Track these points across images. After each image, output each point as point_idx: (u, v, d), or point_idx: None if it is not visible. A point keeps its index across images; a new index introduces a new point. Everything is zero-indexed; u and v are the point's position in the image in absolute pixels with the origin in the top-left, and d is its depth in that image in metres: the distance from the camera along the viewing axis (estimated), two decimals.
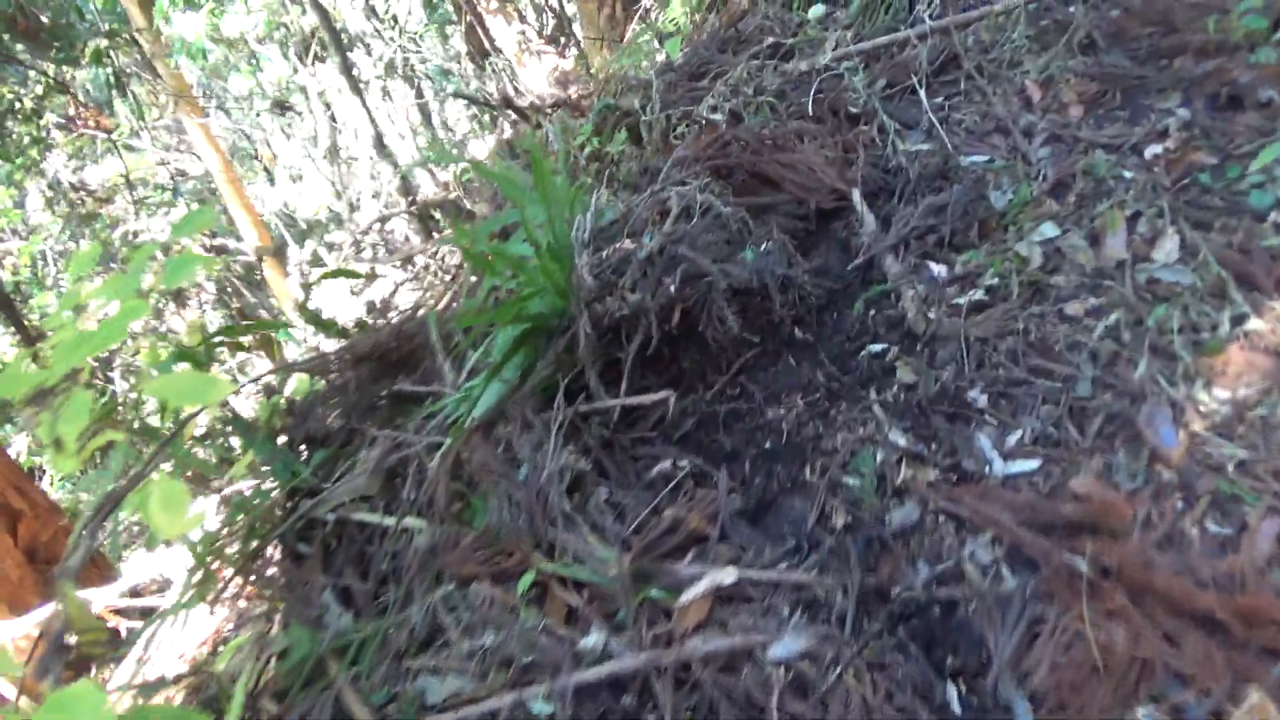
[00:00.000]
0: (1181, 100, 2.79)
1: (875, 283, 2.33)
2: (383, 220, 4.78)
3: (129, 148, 9.25)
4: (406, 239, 4.85)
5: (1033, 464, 1.78)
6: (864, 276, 2.38)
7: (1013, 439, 1.85)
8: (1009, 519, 1.65)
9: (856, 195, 2.52)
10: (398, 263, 4.88)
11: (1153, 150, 2.58)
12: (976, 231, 2.36)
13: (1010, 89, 3.02)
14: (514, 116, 4.35)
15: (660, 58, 4.42)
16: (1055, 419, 1.85)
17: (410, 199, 4.60)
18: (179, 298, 8.76)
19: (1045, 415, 1.87)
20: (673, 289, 1.97)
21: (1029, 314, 2.11)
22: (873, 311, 2.25)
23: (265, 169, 14.82)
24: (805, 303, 2.27)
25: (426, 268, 4.39)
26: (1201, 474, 1.71)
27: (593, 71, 5.93)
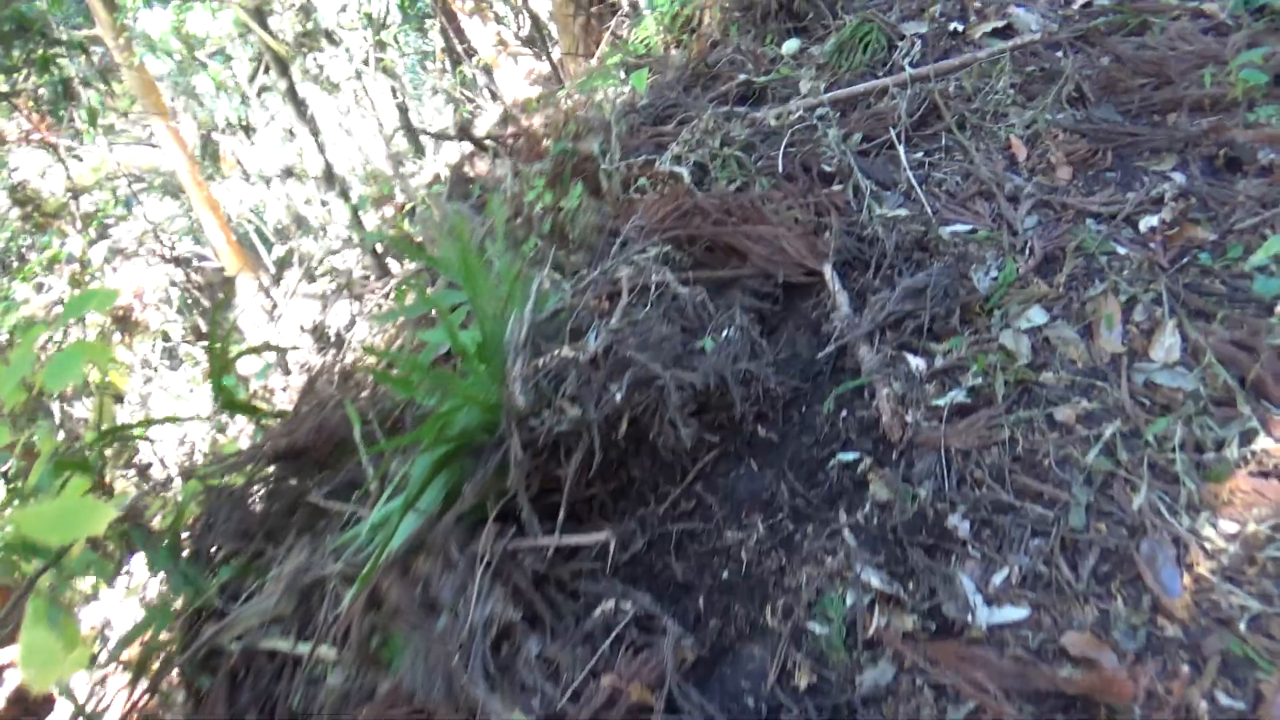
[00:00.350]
0: (1177, 163, 2.61)
1: (847, 375, 2.13)
2: (333, 253, 4.54)
3: (78, 158, 8.88)
4: (358, 273, 4.63)
5: (1021, 612, 1.59)
6: (835, 365, 2.18)
7: (999, 578, 1.65)
8: (995, 686, 1.46)
9: (829, 270, 2.31)
10: (350, 296, 4.64)
11: (1148, 222, 2.40)
12: (958, 316, 2.17)
13: (994, 145, 2.84)
14: (470, 148, 4.12)
15: (626, 89, 4.20)
16: (1046, 554, 1.66)
17: (360, 235, 4.36)
18: (123, 322, 8.39)
19: (1034, 550, 1.67)
20: (619, 397, 1.76)
21: (1016, 419, 1.92)
22: (844, 411, 2.05)
23: (239, 165, 14.47)
24: (770, 397, 2.06)
25: (379, 306, 4.15)
26: (1209, 630, 1.52)
27: (560, 93, 5.70)
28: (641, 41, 5.39)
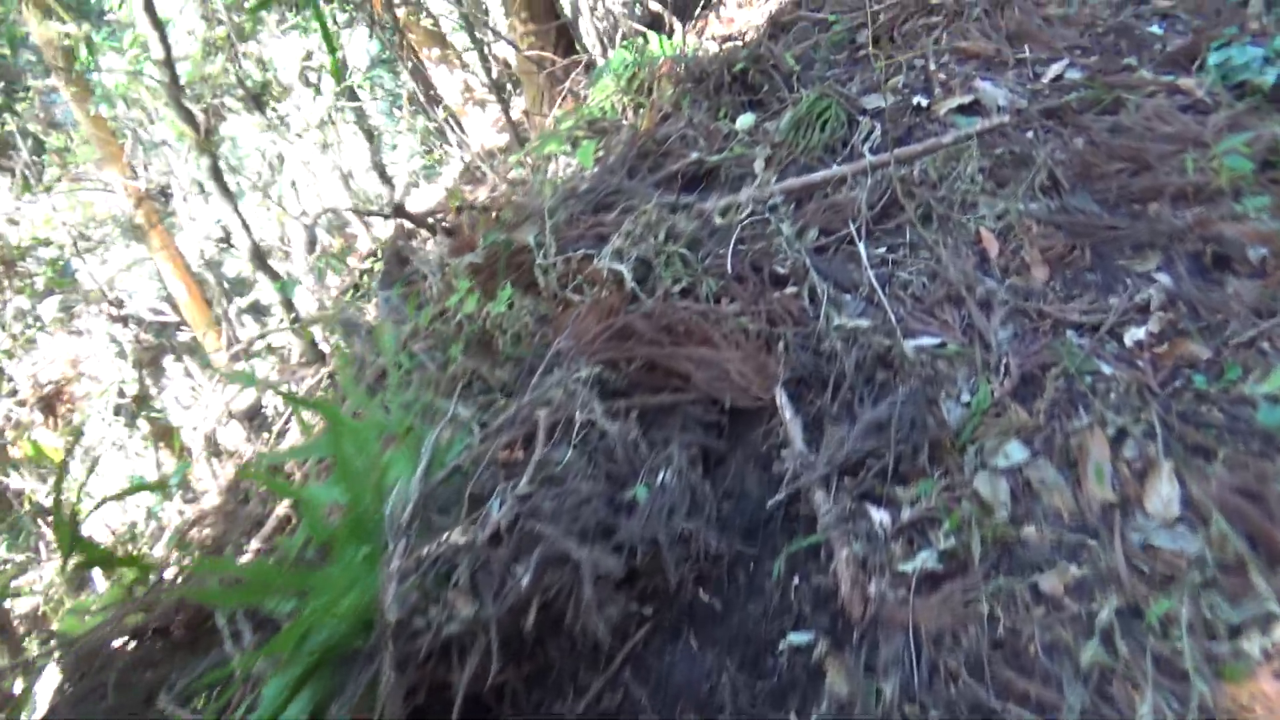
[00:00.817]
0: (1161, 261, 2.39)
1: (801, 527, 1.87)
2: (263, 336, 4.25)
3: (13, 222, 8.52)
4: (291, 357, 4.34)
5: None
6: (788, 512, 1.91)
7: None
8: None
9: (781, 396, 2.05)
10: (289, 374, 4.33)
11: (1134, 335, 2.17)
12: (927, 454, 1.91)
13: (963, 238, 2.61)
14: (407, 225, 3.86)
15: (573, 162, 3.97)
16: None
17: (294, 315, 4.07)
18: (49, 405, 7.98)
19: None
20: (526, 582, 1.48)
21: (995, 589, 1.65)
22: (797, 576, 1.78)
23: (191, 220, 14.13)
24: (713, 556, 1.79)
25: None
26: None
27: (512, 158, 5.47)
28: (597, 105, 5.18)
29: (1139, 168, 2.72)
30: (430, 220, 3.85)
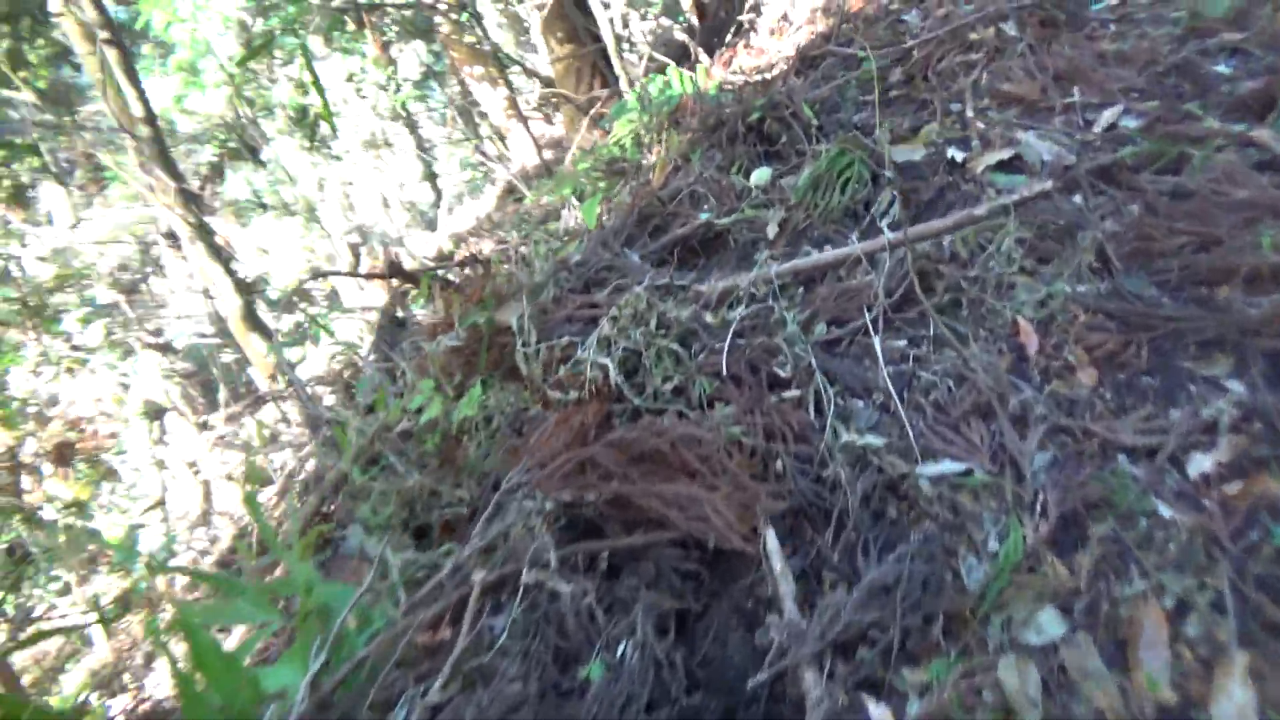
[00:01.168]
0: (1233, 365, 2.04)
1: (788, 711, 1.56)
2: (254, 404, 4.08)
3: (42, 258, 8.58)
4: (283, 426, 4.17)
5: None
6: (773, 693, 1.61)
7: None
8: None
9: (771, 541, 1.76)
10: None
11: (1199, 464, 1.82)
12: (941, 625, 1.60)
13: (997, 328, 2.28)
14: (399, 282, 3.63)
15: (575, 217, 3.71)
16: None
17: (288, 381, 3.88)
18: (61, 455, 7.94)
19: None
20: None
21: None
22: None
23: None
24: None
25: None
26: None
27: (526, 201, 5.24)
28: (617, 141, 4.93)
29: (1205, 242, 2.37)
30: (429, 271, 3.61)
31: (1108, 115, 3.02)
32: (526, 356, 2.49)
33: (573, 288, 2.70)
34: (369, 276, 3.76)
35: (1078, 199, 2.65)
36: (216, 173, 13.61)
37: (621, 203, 3.24)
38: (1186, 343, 2.13)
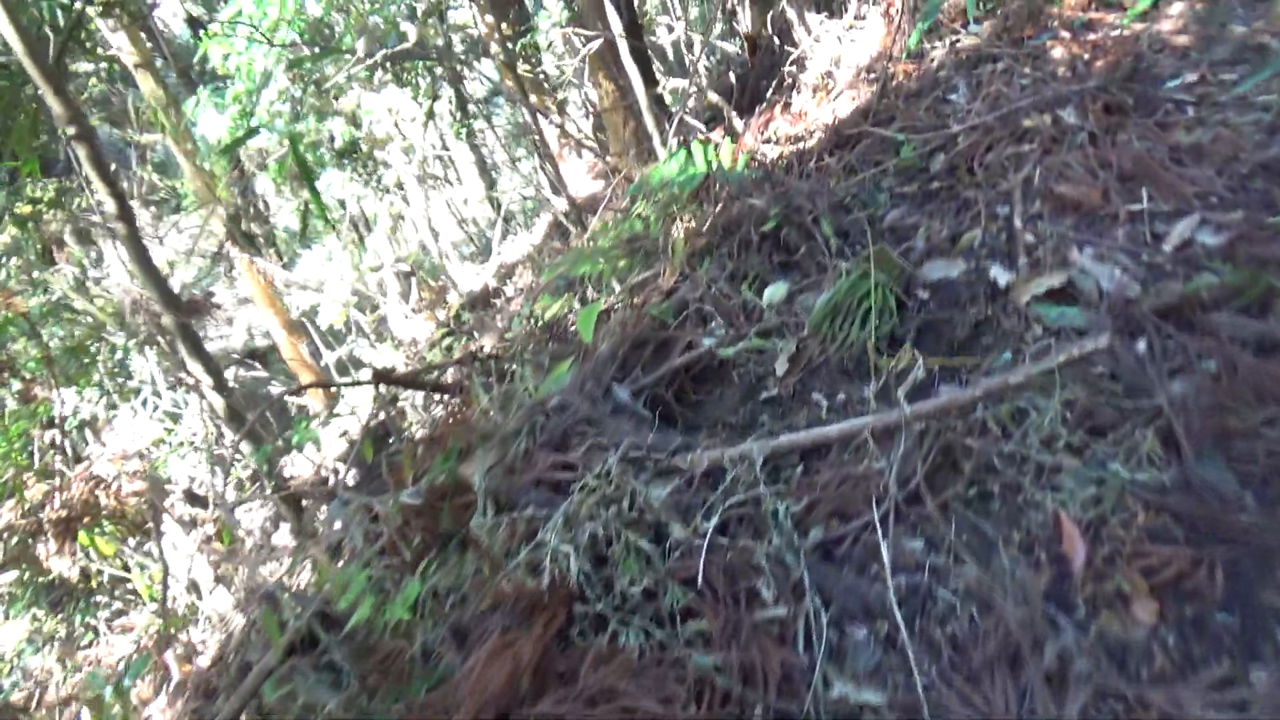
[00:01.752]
0: None
1: None
2: (239, 504, 3.87)
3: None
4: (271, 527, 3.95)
5: None
6: None
7: None
8: None
9: None
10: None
11: None
12: None
13: (1036, 528, 1.89)
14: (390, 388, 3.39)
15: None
16: None
17: (276, 483, 3.67)
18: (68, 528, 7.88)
19: None
20: None
21: None
22: None
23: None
24: None
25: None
26: None
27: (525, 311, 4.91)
28: (639, 215, 4.63)
29: None
30: (421, 377, 3.37)
31: (1180, 229, 2.59)
32: (484, 529, 2.20)
33: (547, 440, 2.40)
34: (367, 383, 3.52)
35: (1140, 346, 2.24)
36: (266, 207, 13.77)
37: (620, 321, 2.92)
38: (1272, 564, 1.72)
